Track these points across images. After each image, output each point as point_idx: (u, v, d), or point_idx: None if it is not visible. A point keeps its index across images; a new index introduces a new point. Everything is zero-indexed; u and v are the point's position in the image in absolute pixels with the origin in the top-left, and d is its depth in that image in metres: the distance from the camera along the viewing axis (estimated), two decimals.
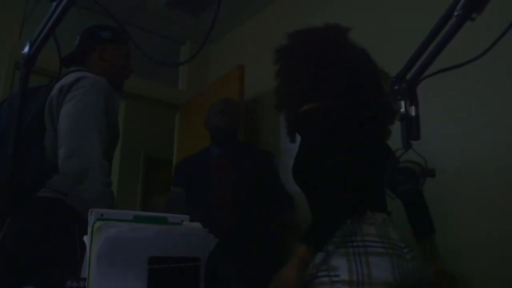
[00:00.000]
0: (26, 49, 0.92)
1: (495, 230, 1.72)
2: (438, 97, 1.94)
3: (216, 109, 2.35)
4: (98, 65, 1.57)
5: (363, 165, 1.23)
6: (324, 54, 1.31)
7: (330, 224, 1.16)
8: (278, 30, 3.05)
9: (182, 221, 0.82)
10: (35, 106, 1.32)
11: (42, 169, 1.32)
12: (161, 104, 3.69)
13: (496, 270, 1.69)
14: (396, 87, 0.82)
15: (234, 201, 2.15)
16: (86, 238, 0.73)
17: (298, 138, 1.40)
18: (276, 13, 3.19)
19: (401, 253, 1.19)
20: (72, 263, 1.00)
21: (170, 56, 3.89)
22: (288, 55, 1.38)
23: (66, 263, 1.11)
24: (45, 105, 1.35)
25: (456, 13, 0.74)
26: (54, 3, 0.89)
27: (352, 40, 1.36)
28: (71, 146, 1.27)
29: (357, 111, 1.24)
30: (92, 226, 0.71)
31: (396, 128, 0.84)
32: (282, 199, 2.24)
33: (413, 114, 0.80)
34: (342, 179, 1.16)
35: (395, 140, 0.92)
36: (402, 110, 0.80)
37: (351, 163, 1.18)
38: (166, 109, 3.77)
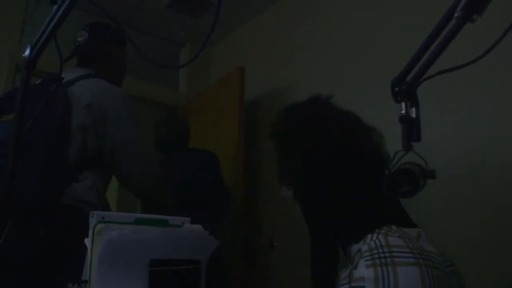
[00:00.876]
0: (27, 52, 0.92)
1: (495, 230, 1.72)
2: (438, 99, 1.94)
3: (154, 124, 2.60)
4: (107, 67, 1.57)
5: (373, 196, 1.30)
6: (308, 125, 1.51)
7: (323, 269, 1.37)
8: (279, 31, 3.10)
9: (183, 223, 0.82)
10: (48, 113, 1.32)
11: (64, 178, 1.33)
12: (161, 106, 3.68)
13: (496, 270, 1.68)
14: (396, 89, 0.82)
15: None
16: (87, 241, 0.73)
17: None
18: (277, 15, 3.19)
19: (437, 265, 1.17)
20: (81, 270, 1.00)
21: (170, 58, 3.89)
22: (279, 133, 1.65)
23: (75, 269, 1.12)
24: (67, 116, 1.36)
25: (456, 14, 0.74)
26: (55, 6, 0.89)
27: (335, 106, 1.56)
28: (143, 171, 1.48)
29: (343, 162, 1.38)
30: (93, 229, 0.71)
31: (397, 129, 0.84)
32: (218, 195, 2.45)
33: (414, 115, 0.80)
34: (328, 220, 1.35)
35: (396, 141, 0.92)
36: (403, 111, 0.80)
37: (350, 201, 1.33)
38: (167, 111, 3.76)
